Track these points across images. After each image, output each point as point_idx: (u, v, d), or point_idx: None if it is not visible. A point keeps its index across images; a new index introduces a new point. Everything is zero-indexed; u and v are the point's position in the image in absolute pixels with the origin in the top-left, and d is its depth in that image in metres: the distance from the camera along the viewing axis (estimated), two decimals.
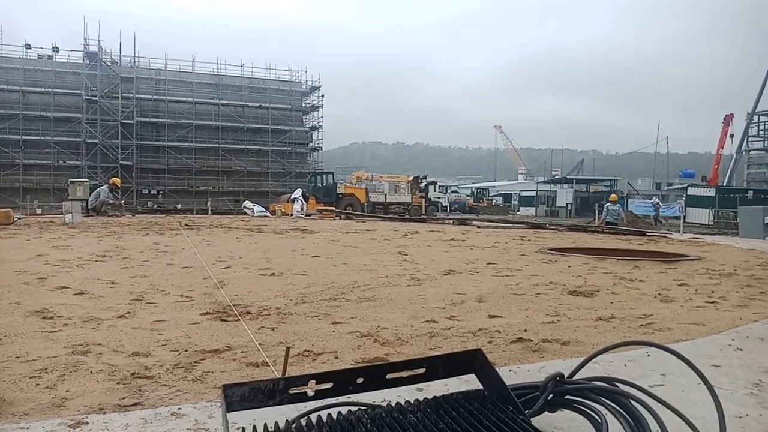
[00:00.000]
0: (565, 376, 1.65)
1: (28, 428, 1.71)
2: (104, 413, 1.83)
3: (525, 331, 3.03)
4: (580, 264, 6.18)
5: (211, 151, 42.75)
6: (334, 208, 24.18)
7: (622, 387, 1.56)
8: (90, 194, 15.32)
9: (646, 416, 1.43)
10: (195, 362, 2.41)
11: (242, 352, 2.58)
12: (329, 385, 1.54)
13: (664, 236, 12.12)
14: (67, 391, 2.04)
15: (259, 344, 2.66)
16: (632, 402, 1.49)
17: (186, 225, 11.75)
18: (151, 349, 2.61)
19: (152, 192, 40.50)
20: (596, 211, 24.62)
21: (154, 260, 5.79)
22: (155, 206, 33.07)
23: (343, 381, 1.55)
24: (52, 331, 2.90)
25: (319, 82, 46.64)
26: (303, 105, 47.13)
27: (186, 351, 2.57)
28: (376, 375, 1.58)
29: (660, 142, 66.53)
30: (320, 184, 33.16)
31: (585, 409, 1.58)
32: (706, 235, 14.68)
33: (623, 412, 1.49)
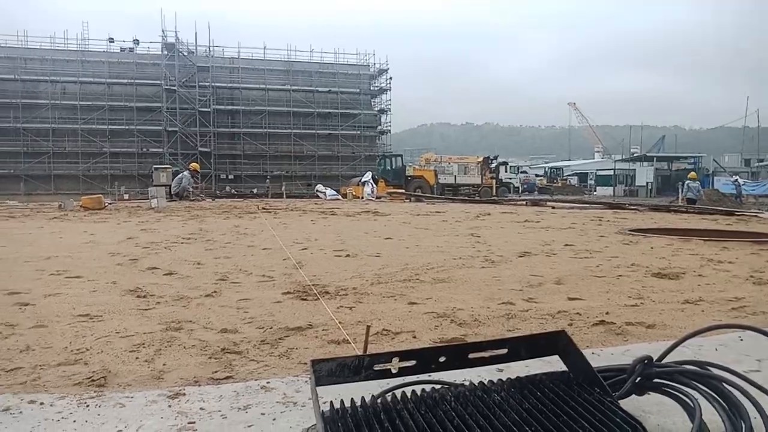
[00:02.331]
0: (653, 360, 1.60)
1: (132, 398, 1.84)
2: (199, 385, 1.95)
3: (607, 313, 2.95)
4: (664, 245, 5.91)
5: (284, 137, 43.78)
6: (403, 191, 24.24)
7: (715, 371, 1.50)
8: (172, 180, 16.12)
9: (743, 402, 1.36)
10: (279, 339, 2.51)
11: (323, 329, 2.66)
12: (412, 363, 1.56)
13: (755, 215, 11.37)
14: (164, 364, 2.18)
15: (339, 322, 2.73)
16: (726, 387, 1.43)
17: (263, 208, 12.14)
18: (238, 326, 2.74)
19: (229, 177, 42.07)
20: (679, 190, 23.40)
21: (236, 242, 6.03)
22: (232, 191, 34.37)
23: (425, 359, 1.57)
24: (146, 309, 3.10)
25: (387, 64, 46.63)
26: (371, 88, 47.30)
27: (270, 328, 2.68)
28: (458, 354, 1.60)
29: (750, 116, 62.06)
30: (389, 167, 33.29)
31: (675, 393, 1.53)
32: None
33: (717, 397, 1.43)
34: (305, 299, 3.33)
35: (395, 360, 1.56)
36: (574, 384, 1.55)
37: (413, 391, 1.54)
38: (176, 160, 37.42)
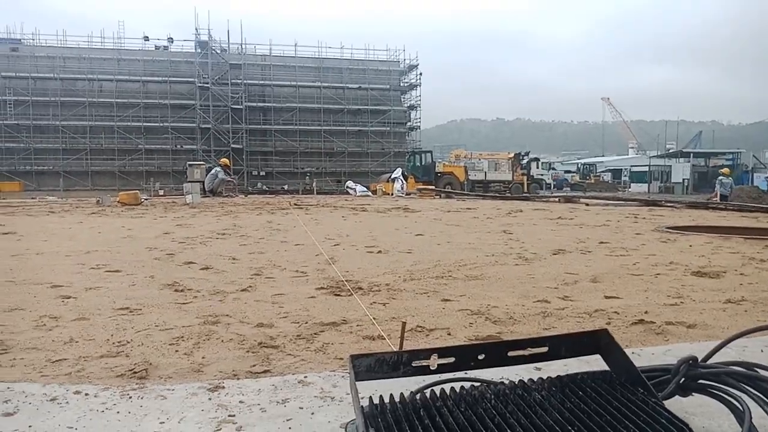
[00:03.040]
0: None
1: (173, 390, 1.88)
2: (238, 379, 1.97)
3: (646, 312, 2.89)
4: (703, 243, 5.76)
5: (314, 133, 44.05)
6: (433, 187, 24.16)
7: (764, 373, 1.45)
8: (206, 176, 16.41)
9: None
10: (315, 334, 2.53)
11: (357, 325, 2.67)
12: (451, 360, 1.55)
13: None
14: (203, 357, 2.22)
15: (373, 319, 2.73)
16: None
17: (295, 204, 12.25)
18: (274, 320, 2.76)
19: (261, 174, 42.56)
20: (716, 186, 22.77)
21: (269, 238, 6.10)
22: (263, 187, 34.73)
23: (464, 356, 1.56)
24: (184, 303, 3.16)
25: (417, 60, 46.49)
26: (401, 84, 47.21)
27: (306, 323, 2.70)
28: (497, 352, 1.58)
29: None
30: (419, 163, 33.19)
31: (722, 394, 1.49)
32: None
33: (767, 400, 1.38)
34: (339, 295, 3.35)
35: (434, 357, 1.56)
36: (617, 384, 1.52)
37: (452, 388, 1.53)
38: (209, 157, 37.99)
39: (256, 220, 8.39)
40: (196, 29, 41.56)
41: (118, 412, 1.70)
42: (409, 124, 47.41)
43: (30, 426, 1.61)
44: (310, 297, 3.30)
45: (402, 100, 47.36)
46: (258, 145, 43.32)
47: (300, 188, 33.24)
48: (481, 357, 1.58)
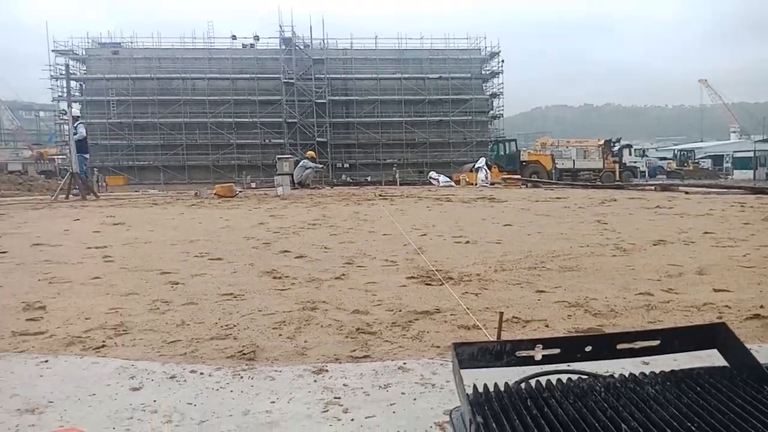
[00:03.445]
0: None
1: (280, 372, 1.96)
2: (340, 363, 2.04)
3: (761, 307, 2.69)
4: None
5: (396, 125, 44.28)
6: (519, 177, 23.63)
7: None
8: (294, 169, 16.91)
9: None
10: (409, 322, 2.56)
11: (451, 314, 2.67)
12: (556, 351, 1.52)
13: None
14: (305, 341, 2.31)
15: (467, 308, 2.72)
16: None
17: (379, 195, 12.40)
18: (369, 308, 2.82)
19: (345, 166, 43.38)
20: None
21: (357, 228, 6.22)
22: (347, 179, 35.38)
23: (571, 347, 1.53)
24: (282, 289, 3.28)
25: (499, 47, 45.52)
26: (482, 72, 46.42)
27: (400, 311, 2.74)
28: (606, 344, 1.53)
29: None
30: (502, 153, 32.58)
31: None
32: None
33: None
34: (429, 284, 3.36)
35: (538, 347, 1.53)
36: (739, 380, 1.43)
37: (558, 380, 1.50)
38: (295, 150, 39.15)
39: (343, 210, 8.57)
40: (280, 26, 42.87)
41: (231, 391, 1.81)
42: (491, 112, 46.58)
43: (155, 400, 1.75)
44: (401, 286, 3.33)
45: (484, 88, 46.57)
46: (341, 137, 44.13)
47: (382, 179, 33.56)
48: (588, 349, 1.54)
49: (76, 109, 14.69)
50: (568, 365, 1.71)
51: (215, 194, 11.02)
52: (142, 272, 3.80)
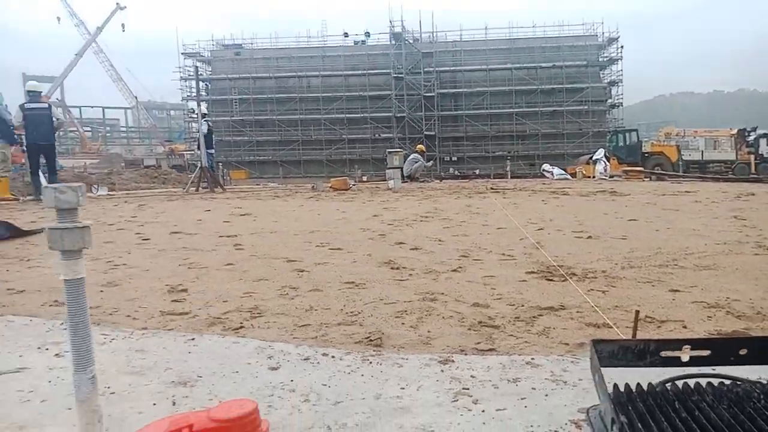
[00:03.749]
0: None
1: (407, 359, 2.00)
2: (465, 354, 2.04)
3: None
4: None
5: (505, 116, 43.35)
6: (641, 169, 22.23)
7: None
8: (404, 162, 17.12)
9: None
10: (533, 317, 2.50)
11: (577, 311, 2.58)
12: (705, 353, 1.43)
13: None
14: (428, 331, 2.33)
15: (596, 306, 2.62)
16: None
17: (491, 189, 12.20)
18: (489, 301, 2.79)
19: (453, 159, 43.20)
20: None
21: (470, 221, 6.17)
22: (455, 172, 35.19)
23: (722, 350, 1.42)
24: (401, 280, 3.34)
25: (617, 32, 43.02)
26: (599, 59, 44.12)
27: (522, 306, 2.69)
28: (764, 348, 1.41)
29: None
30: (622, 143, 30.78)
31: None
32: None
33: None
34: (551, 280, 3.26)
35: (686, 348, 1.44)
36: None
37: (708, 383, 1.40)
38: (404, 144, 39.56)
39: (454, 203, 8.54)
40: (390, 22, 43.41)
41: (362, 375, 1.87)
42: (609, 101, 44.21)
43: (292, 380, 1.85)
44: (521, 280, 3.26)
45: (601, 76, 44.27)
46: (449, 130, 43.95)
47: (491, 172, 32.99)
48: (743, 352, 1.43)
49: (203, 108, 15.66)
50: (713, 369, 1.60)
51: (331, 187, 11.42)
52: (270, 260, 4.02)
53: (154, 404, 1.69)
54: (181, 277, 3.50)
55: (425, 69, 42.94)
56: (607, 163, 22.68)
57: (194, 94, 41.70)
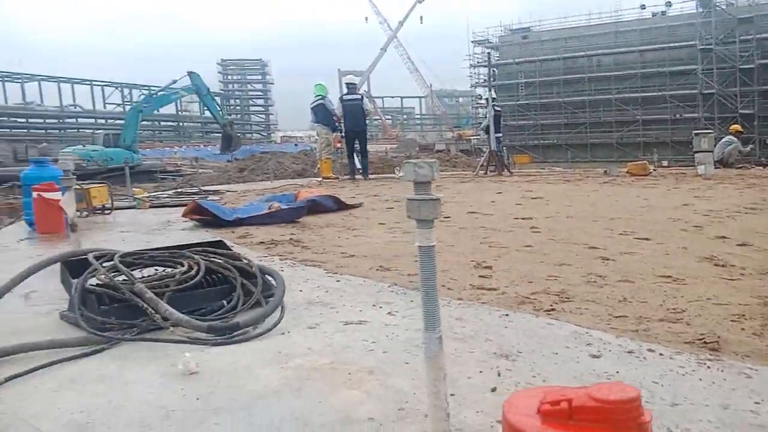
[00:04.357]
0: None
1: (756, 370, 1.72)
2: None
3: None
4: None
5: None
6: None
7: None
8: (714, 146, 14.89)
9: None
10: None
11: None
12: None
13: None
14: None
15: None
16: None
17: None
18: None
19: None
20: None
21: None
22: None
23: None
24: (730, 279, 2.91)
25: None
26: None
27: None
28: None
29: None
30: None
31: None
32: None
33: None
34: None
35: None
36: None
37: None
38: (711, 125, 34.45)
39: None
40: None
41: (700, 379, 1.68)
42: None
43: (617, 371, 1.75)
44: None
45: None
46: None
47: None
48: None
49: (492, 92, 15.95)
50: None
51: (627, 172, 10.57)
52: (569, 245, 3.90)
53: (481, 372, 1.78)
54: (484, 255, 3.63)
55: (741, 38, 36.46)
56: None
57: (483, 81, 43.11)
